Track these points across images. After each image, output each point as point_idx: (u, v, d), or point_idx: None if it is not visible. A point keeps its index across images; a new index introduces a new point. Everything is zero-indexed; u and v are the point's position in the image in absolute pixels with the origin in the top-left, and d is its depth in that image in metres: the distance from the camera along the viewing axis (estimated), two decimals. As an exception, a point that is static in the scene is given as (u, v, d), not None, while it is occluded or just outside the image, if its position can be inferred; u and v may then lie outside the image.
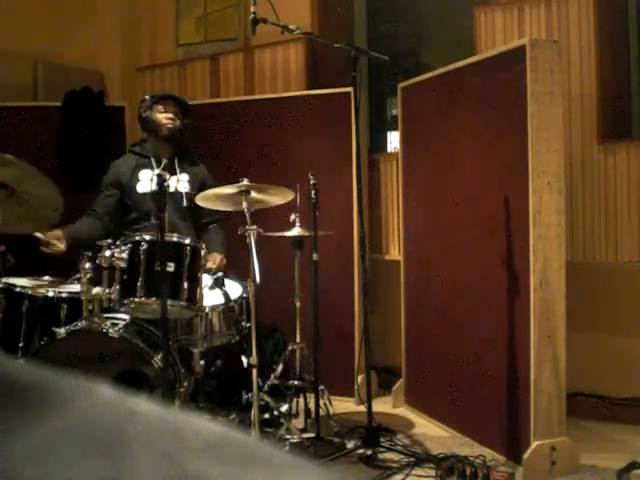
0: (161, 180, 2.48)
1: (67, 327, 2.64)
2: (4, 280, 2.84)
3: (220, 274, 2.88)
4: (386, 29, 4.84)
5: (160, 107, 3.42)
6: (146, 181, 3.34)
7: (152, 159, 3.38)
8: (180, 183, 3.38)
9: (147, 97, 3.46)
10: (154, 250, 2.57)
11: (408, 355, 3.85)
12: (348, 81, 3.25)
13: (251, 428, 2.74)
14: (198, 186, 3.36)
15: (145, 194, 3.29)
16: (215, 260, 3.22)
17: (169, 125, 3.39)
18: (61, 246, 3.08)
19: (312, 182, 3.18)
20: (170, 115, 3.40)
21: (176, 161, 3.40)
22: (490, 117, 3.14)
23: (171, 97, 3.50)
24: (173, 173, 3.34)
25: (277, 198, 3.07)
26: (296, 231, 3.27)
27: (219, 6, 4.80)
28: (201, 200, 3.01)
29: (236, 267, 3.28)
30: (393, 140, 4.67)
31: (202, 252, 2.75)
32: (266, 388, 3.19)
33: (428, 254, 3.66)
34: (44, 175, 2.75)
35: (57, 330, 2.61)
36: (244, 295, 3.03)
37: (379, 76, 4.69)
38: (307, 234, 3.24)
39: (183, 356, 2.84)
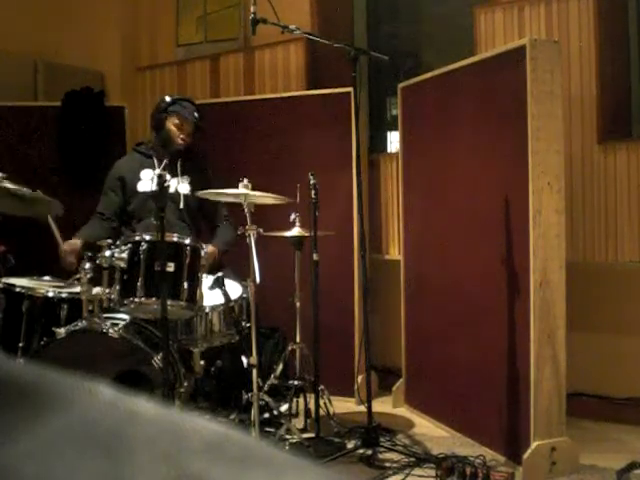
0: (162, 180, 2.48)
1: (67, 327, 2.64)
2: (4, 280, 2.84)
3: (220, 274, 2.88)
4: (386, 29, 4.84)
5: (176, 119, 3.37)
6: (147, 180, 3.36)
7: (155, 159, 3.39)
8: (181, 185, 3.38)
9: (167, 98, 3.43)
10: (154, 250, 2.57)
11: (408, 355, 3.85)
12: (348, 81, 3.25)
13: (251, 428, 2.74)
14: (201, 190, 3.36)
15: (145, 193, 3.31)
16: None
17: (181, 143, 3.39)
18: (74, 261, 3.07)
19: (312, 182, 3.18)
20: (184, 136, 3.38)
21: (179, 163, 3.40)
22: (490, 117, 3.14)
23: (189, 103, 3.44)
24: (174, 174, 3.34)
25: (277, 198, 3.07)
26: (296, 231, 3.27)
27: (219, 6, 4.80)
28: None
29: (236, 267, 3.29)
30: (393, 140, 4.66)
31: (202, 252, 2.75)
32: (266, 388, 3.19)
33: (428, 254, 3.66)
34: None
35: (57, 330, 2.61)
36: (244, 295, 3.03)
37: (379, 76, 4.69)
38: (307, 234, 3.24)
39: (183, 356, 2.84)
